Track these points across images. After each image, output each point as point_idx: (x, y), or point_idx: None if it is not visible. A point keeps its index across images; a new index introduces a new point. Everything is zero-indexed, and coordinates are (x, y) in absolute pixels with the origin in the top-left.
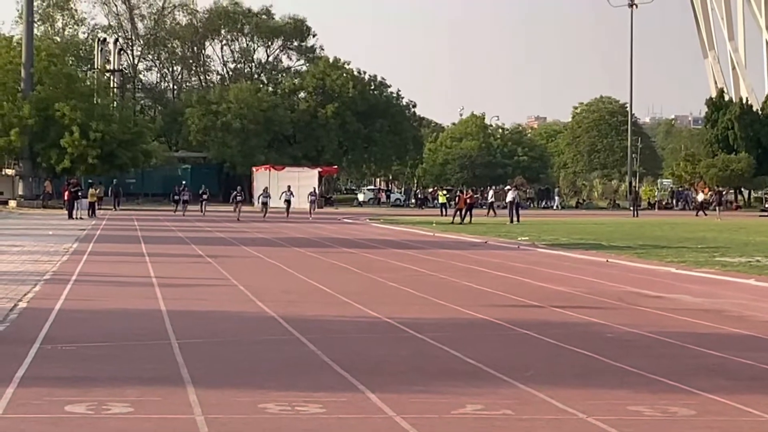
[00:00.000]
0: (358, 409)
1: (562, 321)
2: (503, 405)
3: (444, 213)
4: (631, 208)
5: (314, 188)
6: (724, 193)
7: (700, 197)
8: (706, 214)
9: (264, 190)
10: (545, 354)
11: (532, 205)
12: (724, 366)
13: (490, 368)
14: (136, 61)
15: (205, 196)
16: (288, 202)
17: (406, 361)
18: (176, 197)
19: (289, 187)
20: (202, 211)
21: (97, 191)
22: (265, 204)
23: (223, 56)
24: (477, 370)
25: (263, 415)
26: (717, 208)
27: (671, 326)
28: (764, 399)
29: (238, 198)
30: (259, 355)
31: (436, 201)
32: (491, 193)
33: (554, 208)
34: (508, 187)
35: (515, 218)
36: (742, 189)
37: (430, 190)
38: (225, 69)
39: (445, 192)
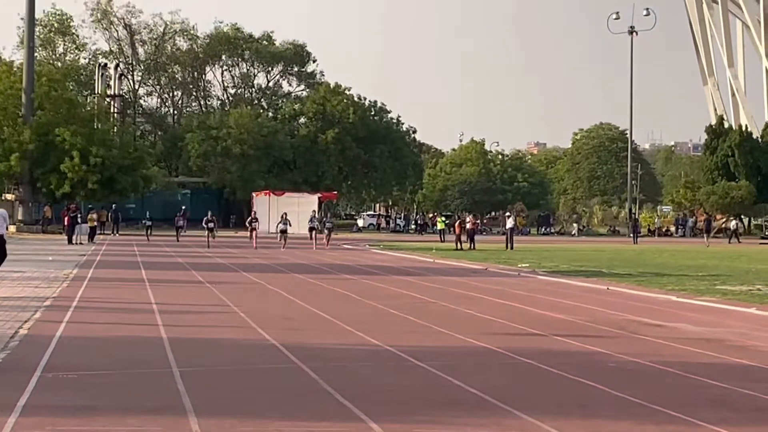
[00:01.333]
0: None
1: (565, 350)
2: None
3: (443, 239)
4: (631, 235)
5: (329, 215)
6: (714, 219)
7: (732, 224)
8: (739, 241)
9: (282, 217)
10: (548, 384)
11: (530, 231)
12: (727, 397)
13: (494, 398)
14: (136, 86)
15: (211, 225)
16: (312, 229)
17: (408, 390)
18: (178, 224)
19: (314, 212)
20: (208, 244)
21: (99, 216)
22: (283, 232)
23: (223, 81)
24: (480, 400)
25: None
26: (705, 234)
27: (673, 356)
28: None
29: (255, 224)
30: (261, 384)
31: (435, 227)
32: (469, 219)
33: (573, 235)
34: (507, 213)
35: (510, 245)
36: (743, 216)
37: (431, 215)
38: (225, 94)
39: (443, 218)
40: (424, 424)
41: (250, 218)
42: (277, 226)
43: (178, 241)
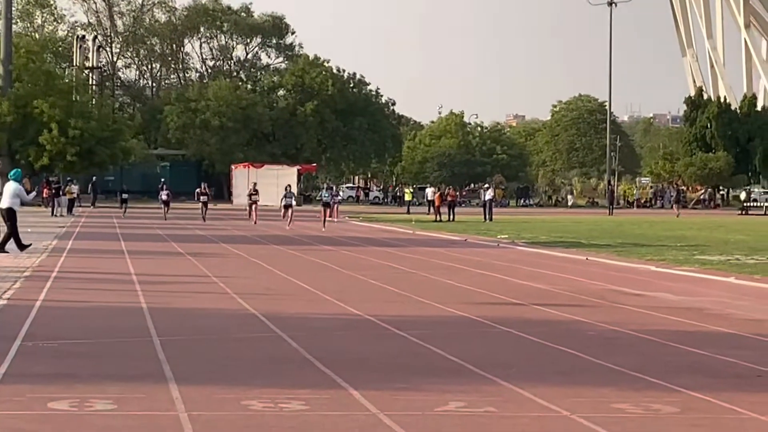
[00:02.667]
0: (341, 406)
1: (544, 319)
2: (486, 402)
3: (409, 210)
4: (609, 206)
5: (334, 187)
6: (685, 190)
7: (743, 195)
8: (748, 213)
9: (286, 189)
10: (528, 352)
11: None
12: (707, 364)
13: (473, 366)
14: (115, 59)
15: (204, 198)
16: (327, 205)
17: (388, 358)
18: (163, 197)
19: (329, 186)
20: (203, 217)
21: (75, 188)
22: (288, 207)
23: (201, 54)
24: (459, 368)
25: (246, 411)
26: (675, 205)
27: (653, 324)
28: (747, 397)
29: (255, 197)
30: (241, 352)
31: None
32: (430, 191)
33: (569, 205)
34: (486, 185)
35: (489, 216)
36: (721, 187)
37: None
38: (204, 66)
39: (411, 190)
40: (404, 390)
41: (249, 191)
42: (281, 201)
43: (165, 219)
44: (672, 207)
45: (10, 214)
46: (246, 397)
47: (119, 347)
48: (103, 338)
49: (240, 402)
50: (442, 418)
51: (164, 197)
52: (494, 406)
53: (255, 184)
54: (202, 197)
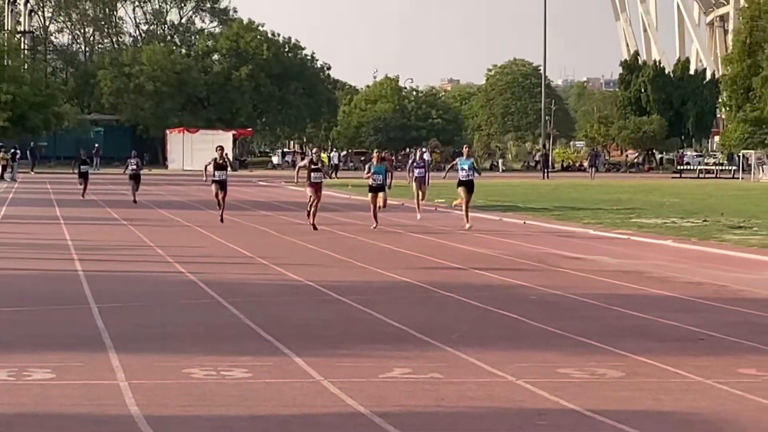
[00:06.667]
0: (284, 374)
1: (485, 283)
2: (431, 368)
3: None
4: (543, 170)
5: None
6: (602, 154)
7: (755, 157)
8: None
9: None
10: (471, 317)
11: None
12: (650, 327)
13: (416, 331)
14: (47, 23)
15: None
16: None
17: (330, 324)
18: (131, 168)
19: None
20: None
21: (8, 155)
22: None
23: (135, 18)
24: (403, 334)
25: (188, 380)
26: (591, 169)
27: (594, 288)
28: (691, 360)
29: (317, 175)
30: (181, 320)
31: (352, 163)
32: (335, 156)
33: (500, 170)
34: (424, 149)
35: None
36: (654, 151)
37: (344, 153)
38: (137, 31)
39: (326, 155)
40: (348, 357)
41: (309, 160)
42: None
43: (135, 201)
44: (590, 170)
45: None
46: (187, 365)
47: (56, 315)
48: (41, 306)
49: (181, 370)
50: (387, 385)
51: (133, 168)
52: (439, 372)
53: (317, 150)
54: (217, 173)
